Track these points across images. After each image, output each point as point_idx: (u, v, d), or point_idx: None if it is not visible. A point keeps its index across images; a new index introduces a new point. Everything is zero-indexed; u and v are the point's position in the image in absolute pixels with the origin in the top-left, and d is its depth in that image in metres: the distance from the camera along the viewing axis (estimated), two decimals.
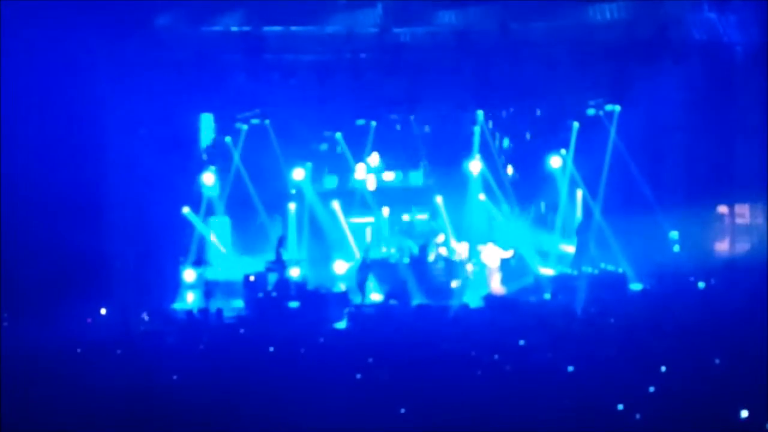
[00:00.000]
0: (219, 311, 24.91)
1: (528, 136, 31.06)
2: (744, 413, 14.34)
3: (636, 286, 27.04)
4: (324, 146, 30.33)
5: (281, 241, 28.16)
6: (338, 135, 30.01)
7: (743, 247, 27.29)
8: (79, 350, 19.91)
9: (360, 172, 30.49)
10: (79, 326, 22.42)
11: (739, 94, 26.87)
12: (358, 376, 17.28)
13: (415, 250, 29.07)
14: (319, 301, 26.28)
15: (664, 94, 27.87)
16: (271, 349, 20.05)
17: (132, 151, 25.25)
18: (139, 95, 25.00)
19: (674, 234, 28.37)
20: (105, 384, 16.57)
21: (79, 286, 23.38)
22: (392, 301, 26.76)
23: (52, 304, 22.39)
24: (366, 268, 27.56)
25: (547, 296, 26.99)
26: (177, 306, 26.60)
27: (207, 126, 28.91)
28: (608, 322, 22.17)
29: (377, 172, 30.75)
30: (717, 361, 17.55)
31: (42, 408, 15.13)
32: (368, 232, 30.44)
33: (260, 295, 26.67)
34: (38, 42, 22.73)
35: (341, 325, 24.68)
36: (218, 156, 28.94)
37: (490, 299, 26.76)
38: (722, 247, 27.75)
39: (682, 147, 28.28)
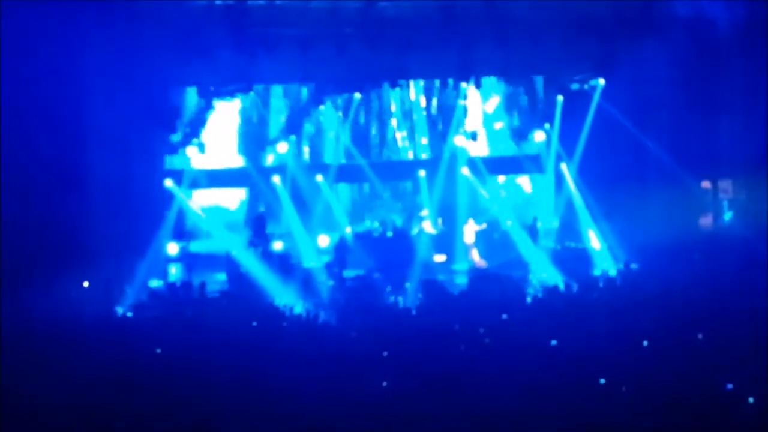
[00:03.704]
0: (202, 284, 24.93)
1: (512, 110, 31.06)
2: (728, 386, 14.43)
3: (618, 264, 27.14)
4: (309, 119, 30.25)
5: (259, 217, 28.16)
6: (323, 107, 29.95)
7: (727, 222, 27.38)
8: (62, 325, 19.86)
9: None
10: (61, 301, 22.36)
11: (724, 68, 26.90)
12: (341, 350, 17.31)
13: (399, 224, 29.09)
14: (303, 274, 26.34)
15: (648, 69, 27.89)
16: (254, 323, 20.07)
17: (115, 126, 25.15)
18: (122, 69, 24.87)
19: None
20: (87, 359, 16.55)
21: (61, 261, 23.29)
22: (375, 275, 26.80)
23: (34, 280, 22.31)
24: (344, 247, 27.60)
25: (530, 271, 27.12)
26: (160, 279, 26.57)
27: (190, 99, 28.80)
28: (591, 297, 22.26)
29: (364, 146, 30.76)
30: (699, 336, 17.64)
31: (23, 385, 15.10)
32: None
33: (243, 269, 26.68)
34: (18, 16, 22.57)
35: (324, 298, 24.70)
36: (202, 129, 28.82)
37: (474, 273, 26.83)
38: (706, 222, 27.83)
39: (666, 122, 28.31)
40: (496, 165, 30.41)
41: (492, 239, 28.66)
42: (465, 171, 29.60)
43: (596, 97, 28.71)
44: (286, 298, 23.77)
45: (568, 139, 29.47)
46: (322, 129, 30.65)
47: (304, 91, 29.42)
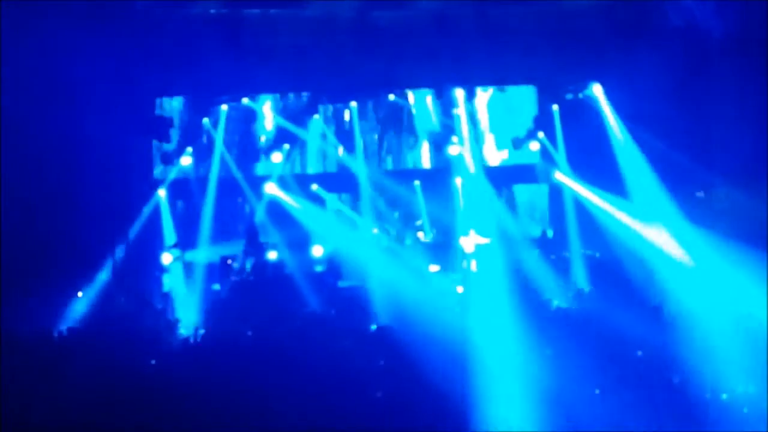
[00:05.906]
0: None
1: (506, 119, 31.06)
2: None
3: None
4: (303, 128, 30.25)
5: (253, 227, 28.18)
6: (317, 116, 29.97)
7: (721, 232, 27.37)
8: (56, 335, 19.86)
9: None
10: (56, 311, 22.35)
11: (717, 75, 26.94)
12: (335, 359, 17.31)
13: (394, 233, 29.07)
14: (297, 284, 26.29)
15: (641, 77, 27.92)
16: (249, 333, 20.07)
17: (107, 134, 25.12)
18: (115, 78, 24.88)
19: None
20: (82, 369, 16.55)
21: (56, 271, 23.28)
22: (369, 285, 26.75)
23: (29, 290, 22.29)
24: (338, 257, 27.60)
25: None
26: (154, 289, 26.52)
27: (184, 108, 28.82)
28: (584, 307, 22.27)
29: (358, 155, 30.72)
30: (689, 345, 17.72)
31: (17, 394, 15.10)
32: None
33: (237, 278, 26.64)
34: (11, 23, 22.58)
35: (318, 308, 24.66)
36: (195, 138, 28.83)
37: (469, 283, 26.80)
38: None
39: (660, 129, 28.31)
40: (491, 175, 30.31)
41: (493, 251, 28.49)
42: (459, 181, 29.54)
43: (591, 105, 28.68)
44: (279, 307, 23.78)
45: (563, 147, 29.45)
46: (316, 138, 30.63)
47: (298, 101, 29.45)
